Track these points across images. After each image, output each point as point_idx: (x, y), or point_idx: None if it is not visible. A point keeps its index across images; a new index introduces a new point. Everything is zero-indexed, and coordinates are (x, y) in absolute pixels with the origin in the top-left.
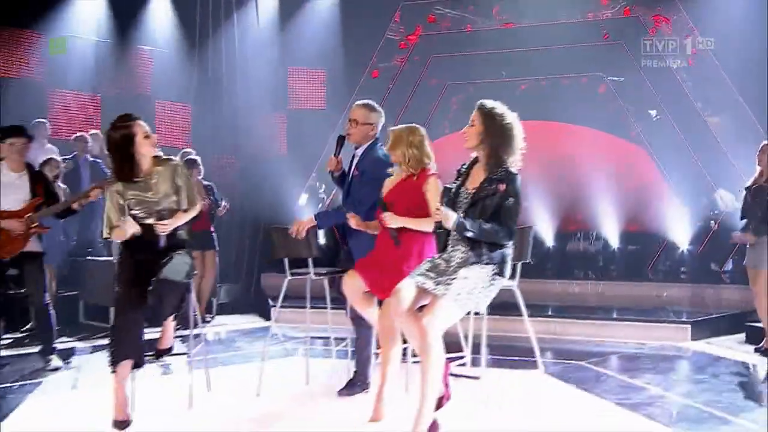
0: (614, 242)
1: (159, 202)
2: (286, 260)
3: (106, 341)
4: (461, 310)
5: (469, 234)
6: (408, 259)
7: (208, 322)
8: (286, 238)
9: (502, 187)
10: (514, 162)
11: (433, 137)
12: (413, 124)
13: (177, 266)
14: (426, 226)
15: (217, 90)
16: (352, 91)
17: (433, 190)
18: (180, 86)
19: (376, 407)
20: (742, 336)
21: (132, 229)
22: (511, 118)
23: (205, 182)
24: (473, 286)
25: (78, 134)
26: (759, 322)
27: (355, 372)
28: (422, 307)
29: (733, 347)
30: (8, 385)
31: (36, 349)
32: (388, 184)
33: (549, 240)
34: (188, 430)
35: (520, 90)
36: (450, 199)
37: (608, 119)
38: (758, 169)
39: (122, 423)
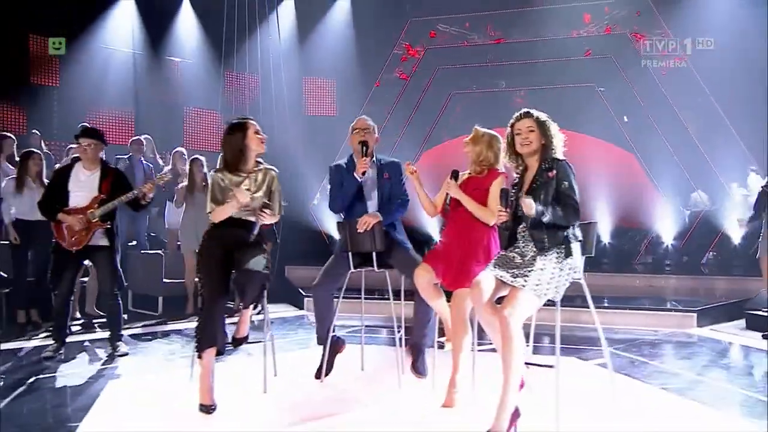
0: (605, 237)
1: (250, 200)
2: (350, 254)
3: (158, 328)
4: (540, 300)
5: (545, 218)
6: (476, 252)
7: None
8: (352, 233)
9: (552, 173)
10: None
11: (433, 143)
12: (496, 133)
13: (258, 258)
14: (478, 211)
15: (241, 98)
16: (362, 99)
17: (497, 189)
18: (207, 94)
19: (449, 393)
20: (741, 322)
21: (245, 197)
22: (550, 121)
23: None
24: (551, 276)
25: (134, 137)
26: (757, 310)
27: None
28: (500, 298)
29: (738, 333)
30: (88, 368)
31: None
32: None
33: None
34: (270, 413)
35: (519, 98)
36: (505, 202)
37: (600, 126)
38: None
39: (209, 407)
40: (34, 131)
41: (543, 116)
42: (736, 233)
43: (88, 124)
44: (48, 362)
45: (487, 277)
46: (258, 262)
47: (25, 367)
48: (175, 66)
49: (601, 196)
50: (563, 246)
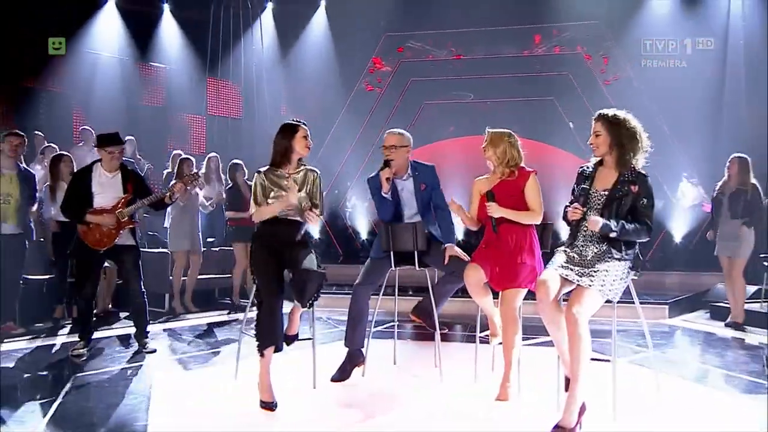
0: (563, 237)
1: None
2: (392, 253)
3: (165, 325)
4: (603, 299)
5: (613, 234)
6: (521, 253)
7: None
8: (395, 234)
9: (635, 188)
10: (640, 162)
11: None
12: (508, 130)
13: (311, 257)
14: (525, 218)
15: (225, 103)
16: (340, 107)
17: (534, 188)
18: (192, 100)
19: (503, 388)
20: (703, 313)
21: (294, 197)
22: (634, 122)
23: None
24: (613, 279)
25: None
26: (718, 302)
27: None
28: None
29: (707, 323)
30: (121, 365)
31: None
32: (484, 185)
33: None
34: (331, 409)
35: (484, 109)
36: (584, 200)
37: (559, 137)
38: (726, 176)
39: (270, 404)
40: (36, 132)
41: (620, 116)
42: (677, 232)
43: (89, 128)
44: (77, 360)
45: (552, 276)
46: (312, 261)
47: (58, 366)
48: (161, 72)
49: (561, 199)
50: (632, 261)
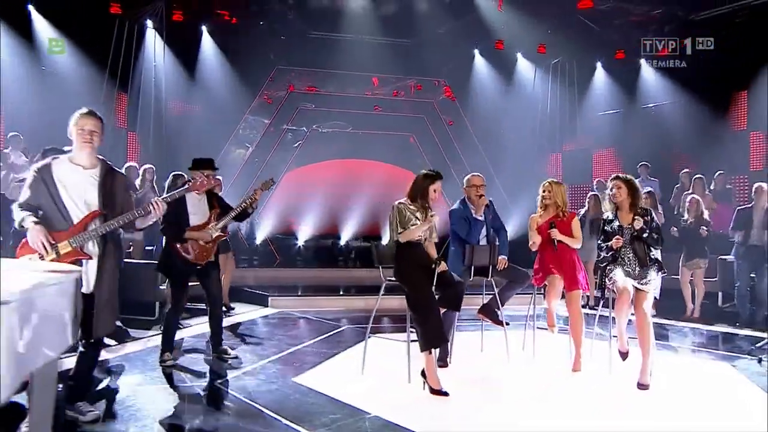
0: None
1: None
2: (472, 267)
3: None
4: (653, 297)
5: (645, 235)
6: (576, 265)
7: (232, 309)
8: (476, 253)
9: (647, 218)
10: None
11: (292, 168)
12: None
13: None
14: (573, 243)
15: (117, 115)
16: (230, 131)
17: (577, 225)
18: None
19: (576, 361)
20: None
21: (419, 231)
22: (636, 181)
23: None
24: (658, 283)
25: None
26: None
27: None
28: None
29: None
30: (237, 375)
31: None
32: (537, 219)
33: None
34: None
35: (358, 137)
36: (621, 233)
37: (415, 165)
38: (587, 206)
39: (441, 391)
40: None
41: (630, 177)
42: None
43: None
44: (168, 370)
45: (629, 285)
46: (452, 275)
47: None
48: (45, 75)
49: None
50: (660, 265)
